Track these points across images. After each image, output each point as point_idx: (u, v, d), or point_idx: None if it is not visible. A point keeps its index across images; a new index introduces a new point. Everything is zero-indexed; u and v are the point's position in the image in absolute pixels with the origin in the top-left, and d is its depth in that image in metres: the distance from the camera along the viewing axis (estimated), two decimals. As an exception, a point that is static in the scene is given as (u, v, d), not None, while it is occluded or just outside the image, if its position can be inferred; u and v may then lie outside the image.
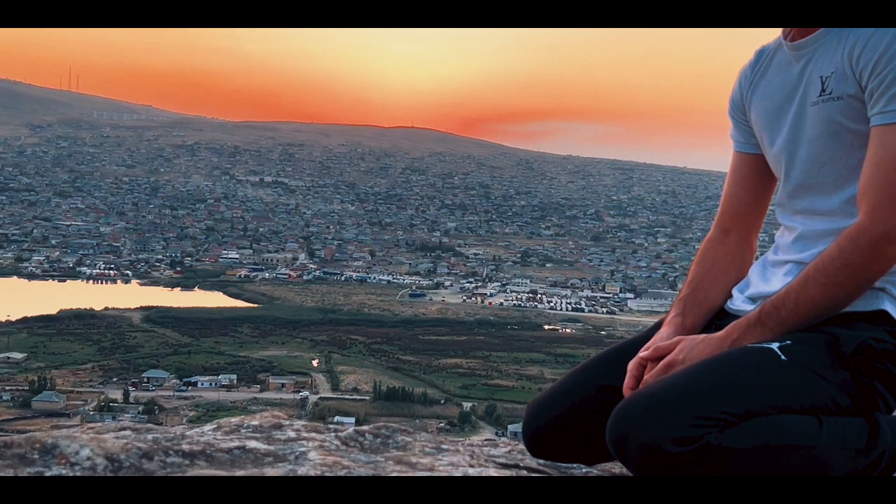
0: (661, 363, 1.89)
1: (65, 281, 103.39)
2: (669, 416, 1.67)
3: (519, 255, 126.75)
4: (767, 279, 2.05)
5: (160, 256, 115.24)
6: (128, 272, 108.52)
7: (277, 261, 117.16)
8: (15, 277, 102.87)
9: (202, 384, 64.90)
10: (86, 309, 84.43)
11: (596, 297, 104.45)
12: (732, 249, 2.18)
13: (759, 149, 2.14)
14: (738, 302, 2.07)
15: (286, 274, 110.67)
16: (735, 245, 2.18)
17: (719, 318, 2.08)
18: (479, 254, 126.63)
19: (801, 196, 2.02)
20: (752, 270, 2.13)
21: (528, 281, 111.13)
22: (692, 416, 1.67)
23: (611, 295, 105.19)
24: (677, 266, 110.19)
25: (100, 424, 2.04)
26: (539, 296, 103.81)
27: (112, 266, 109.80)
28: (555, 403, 2.03)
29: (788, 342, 1.81)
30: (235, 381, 65.61)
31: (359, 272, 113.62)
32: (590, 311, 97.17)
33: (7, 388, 60.25)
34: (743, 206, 2.19)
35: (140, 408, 57.00)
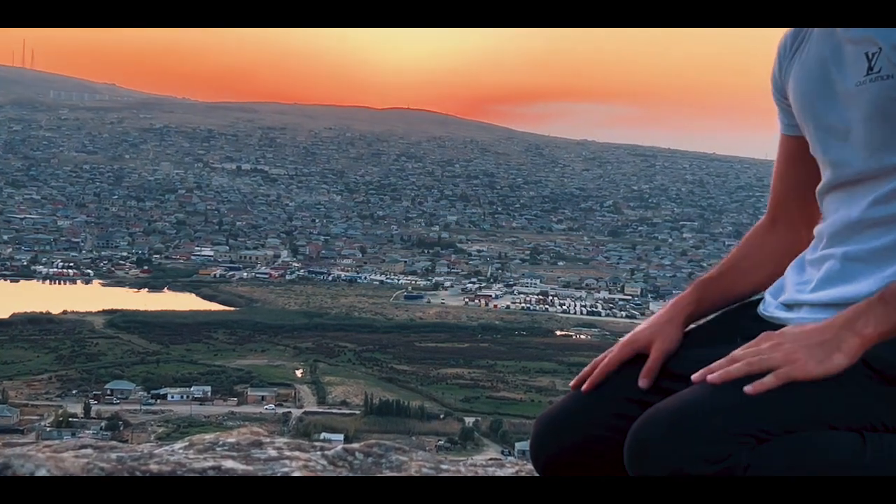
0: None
1: (18, 281, 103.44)
2: (694, 433, 1.65)
3: (527, 253, 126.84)
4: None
5: (125, 253, 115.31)
6: (89, 271, 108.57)
7: (257, 258, 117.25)
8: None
9: (172, 397, 64.94)
10: (42, 312, 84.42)
11: (614, 299, 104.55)
12: (778, 240, 2.17)
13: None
14: (772, 308, 2.04)
15: (266, 273, 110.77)
16: (782, 236, 2.18)
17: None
18: (482, 251, 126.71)
19: None
20: (788, 273, 2.09)
21: (537, 281, 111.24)
22: (720, 432, 1.65)
23: (630, 297, 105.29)
24: (705, 264, 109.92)
25: (57, 442, 2.05)
26: (550, 298, 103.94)
27: (71, 264, 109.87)
28: (569, 422, 1.98)
29: None
30: (209, 394, 65.66)
31: (348, 271, 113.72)
32: (607, 315, 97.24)
33: (-47, 401, 60.34)
34: (791, 193, 2.17)
35: (103, 423, 57.04)
